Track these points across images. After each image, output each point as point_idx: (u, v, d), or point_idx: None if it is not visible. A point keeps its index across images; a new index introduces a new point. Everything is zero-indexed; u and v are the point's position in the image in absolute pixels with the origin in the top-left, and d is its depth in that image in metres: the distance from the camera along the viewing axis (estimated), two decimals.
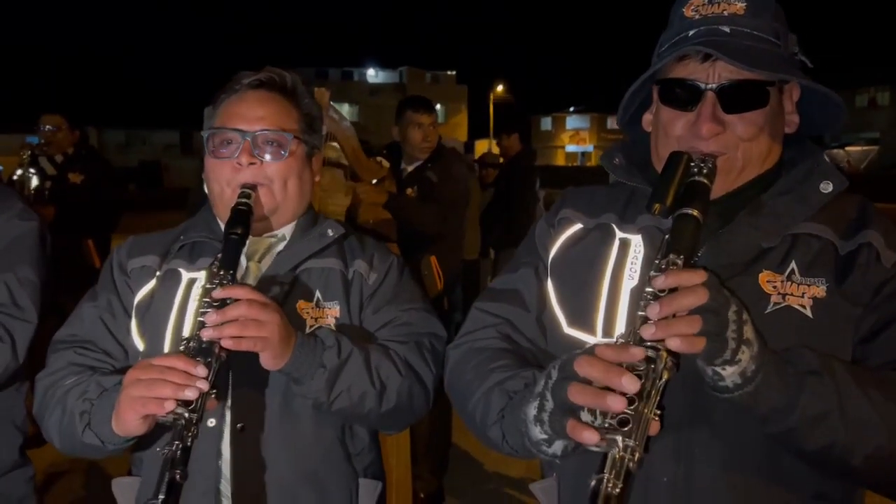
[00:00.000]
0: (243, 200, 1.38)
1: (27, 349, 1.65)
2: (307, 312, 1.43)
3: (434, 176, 3.67)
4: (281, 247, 1.50)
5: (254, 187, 1.42)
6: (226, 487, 1.36)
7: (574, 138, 64.18)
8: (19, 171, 4.44)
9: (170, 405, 1.14)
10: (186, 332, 1.39)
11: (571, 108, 69.69)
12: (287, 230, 1.52)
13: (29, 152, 4.47)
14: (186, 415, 1.15)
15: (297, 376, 1.32)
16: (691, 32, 1.16)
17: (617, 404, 0.93)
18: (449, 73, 62.53)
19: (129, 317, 1.46)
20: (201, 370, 1.17)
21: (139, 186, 28.98)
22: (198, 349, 1.20)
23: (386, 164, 3.51)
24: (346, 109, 43.01)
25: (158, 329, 1.42)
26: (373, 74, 60.58)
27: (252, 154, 1.43)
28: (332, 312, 1.44)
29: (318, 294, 1.45)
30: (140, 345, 1.44)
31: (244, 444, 1.35)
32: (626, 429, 0.93)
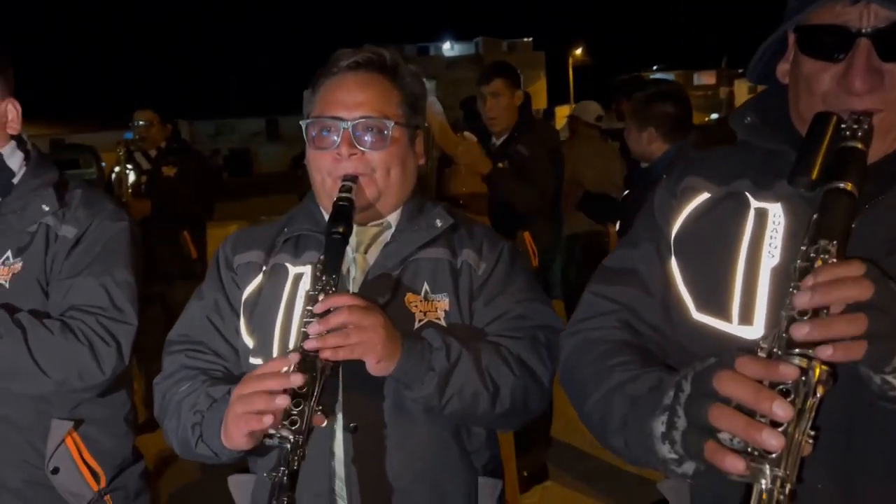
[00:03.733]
0: (344, 195, 1.32)
1: (131, 350, 1.65)
2: (416, 306, 1.37)
3: (525, 149, 3.53)
4: (387, 235, 1.44)
5: (355, 178, 1.36)
6: (340, 488, 1.32)
7: None
8: (117, 168, 4.57)
9: (269, 420, 1.11)
10: (294, 330, 1.35)
11: (654, 67, 67.46)
12: (392, 217, 1.46)
13: (124, 149, 4.60)
14: (292, 438, 1.11)
15: (407, 381, 1.26)
16: None
17: (774, 442, 0.80)
18: (525, 40, 61.52)
19: (238, 315, 1.44)
20: (296, 378, 1.13)
21: (230, 174, 29.91)
22: (302, 362, 1.17)
23: (473, 138, 3.41)
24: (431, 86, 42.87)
25: (267, 326, 1.38)
26: (449, 48, 60.25)
27: (353, 144, 1.36)
28: (442, 305, 1.37)
29: (426, 286, 1.38)
30: (250, 343, 1.41)
31: (357, 444, 1.31)
32: (774, 456, 0.81)
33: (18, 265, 1.59)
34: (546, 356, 1.38)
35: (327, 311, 1.19)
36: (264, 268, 1.44)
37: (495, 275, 1.43)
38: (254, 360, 1.39)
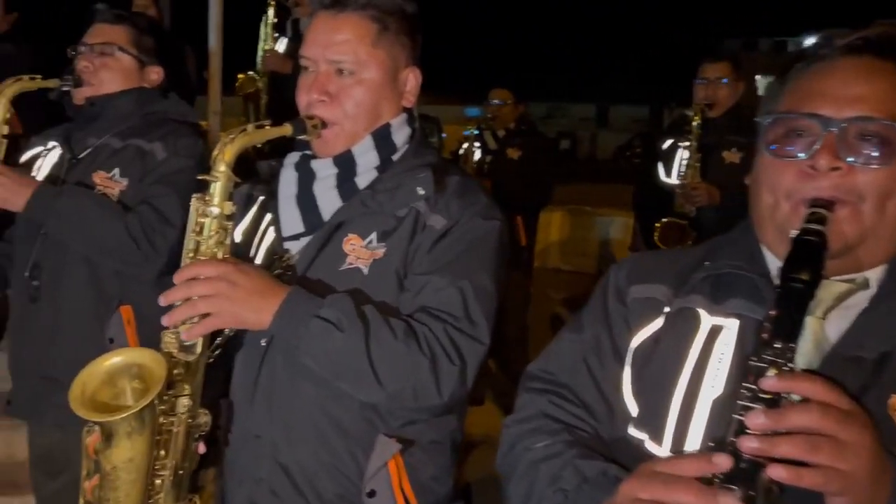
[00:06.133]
0: (814, 227, 0.91)
1: (475, 375, 1.38)
2: None
3: None
4: (860, 299, 0.98)
5: (831, 205, 0.94)
6: None
7: None
8: (465, 145, 4.56)
9: None
10: (701, 405, 0.98)
11: None
12: (873, 275, 1.00)
13: (475, 126, 4.56)
14: None
15: None
16: None
17: None
18: None
19: (622, 364, 1.10)
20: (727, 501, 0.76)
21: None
22: (734, 469, 0.79)
23: None
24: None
25: (662, 392, 1.02)
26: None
27: (837, 154, 0.94)
28: None
29: None
30: (633, 408, 1.07)
31: None
32: None
33: (381, 251, 1.40)
34: None
35: (777, 398, 0.81)
36: (667, 309, 1.08)
37: None
38: (635, 433, 1.05)
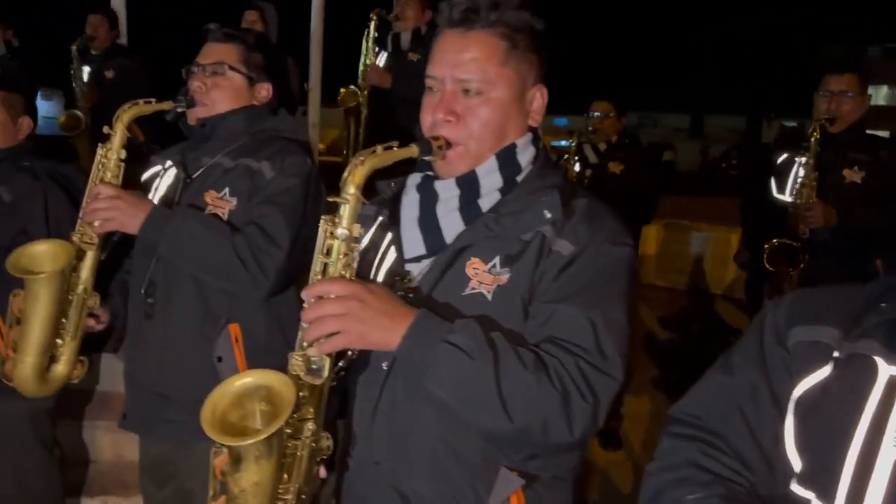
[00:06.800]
0: None
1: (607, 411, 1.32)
2: None
3: None
4: None
5: None
6: None
7: None
8: (565, 156, 4.46)
9: None
10: (885, 464, 0.90)
11: None
12: None
13: (576, 140, 4.45)
14: None
15: None
16: None
17: None
18: None
19: (783, 415, 1.01)
20: None
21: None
22: None
23: None
24: (883, 93, 37.25)
25: (832, 447, 0.94)
26: None
27: None
28: None
29: None
30: (796, 461, 0.99)
31: None
32: None
33: (505, 276, 1.35)
34: None
35: None
36: (837, 354, 0.99)
37: None
38: (800, 491, 0.97)
